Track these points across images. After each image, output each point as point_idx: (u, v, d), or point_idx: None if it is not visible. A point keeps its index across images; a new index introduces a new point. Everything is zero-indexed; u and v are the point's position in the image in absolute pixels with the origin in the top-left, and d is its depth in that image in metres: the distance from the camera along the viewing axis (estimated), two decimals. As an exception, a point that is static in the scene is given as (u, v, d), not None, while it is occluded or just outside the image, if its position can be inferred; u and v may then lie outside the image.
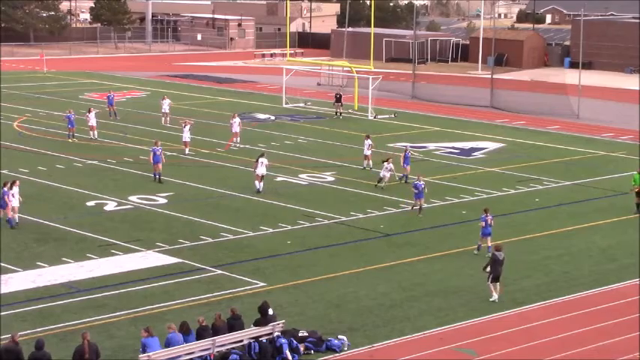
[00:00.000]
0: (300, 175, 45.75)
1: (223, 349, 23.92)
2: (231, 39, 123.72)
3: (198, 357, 23.48)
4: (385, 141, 54.60)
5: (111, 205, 39.23)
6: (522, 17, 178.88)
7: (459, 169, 48.36)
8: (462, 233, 36.07)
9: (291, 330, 25.18)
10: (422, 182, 38.49)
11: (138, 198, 40.45)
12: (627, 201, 41.22)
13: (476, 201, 41.14)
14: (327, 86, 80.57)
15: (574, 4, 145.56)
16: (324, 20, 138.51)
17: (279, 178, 44.66)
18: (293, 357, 24.25)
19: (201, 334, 23.89)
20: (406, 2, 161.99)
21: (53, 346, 23.86)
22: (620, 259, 33.80)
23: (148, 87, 79.62)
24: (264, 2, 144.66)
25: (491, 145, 55.59)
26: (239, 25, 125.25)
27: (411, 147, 49.21)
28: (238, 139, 52.53)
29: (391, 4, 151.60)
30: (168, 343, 23.26)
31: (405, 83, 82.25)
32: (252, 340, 24.21)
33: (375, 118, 64.67)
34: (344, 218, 38.11)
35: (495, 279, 28.81)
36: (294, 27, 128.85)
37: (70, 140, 52.94)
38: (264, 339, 24.26)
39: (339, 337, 25.44)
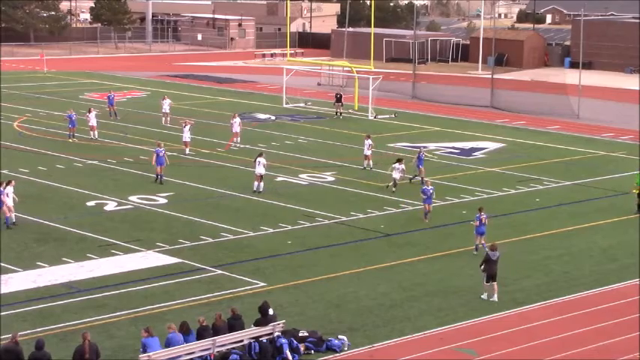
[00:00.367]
0: (300, 175, 45.74)
1: (223, 349, 23.92)
2: (232, 39, 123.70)
3: (199, 357, 23.47)
4: (385, 141, 54.56)
5: (111, 205, 39.23)
6: (522, 17, 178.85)
7: (459, 169, 48.34)
8: (462, 233, 36.01)
9: (291, 330, 25.18)
10: (430, 187, 38.24)
11: (138, 198, 40.45)
12: (628, 201, 41.23)
13: (476, 201, 41.09)
14: (327, 86, 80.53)
15: (574, 4, 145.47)
16: (325, 20, 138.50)
17: (279, 178, 44.65)
18: (293, 357, 24.25)
19: (201, 334, 23.88)
20: (406, 2, 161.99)
21: (53, 346, 23.84)
22: (620, 259, 33.80)
23: (148, 87, 79.58)
24: (265, 2, 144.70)
25: (492, 145, 55.56)
26: (239, 25, 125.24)
27: (411, 147, 49.16)
28: (238, 139, 52.52)
29: (391, 4, 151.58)
30: (168, 343, 23.25)
31: (405, 83, 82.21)
32: (252, 340, 24.20)
33: (375, 118, 64.63)
34: (344, 218, 38.09)
35: (490, 278, 28.82)
36: (295, 27, 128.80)
37: (70, 140, 52.92)
38: (264, 339, 24.25)
39: (340, 337, 25.43)
